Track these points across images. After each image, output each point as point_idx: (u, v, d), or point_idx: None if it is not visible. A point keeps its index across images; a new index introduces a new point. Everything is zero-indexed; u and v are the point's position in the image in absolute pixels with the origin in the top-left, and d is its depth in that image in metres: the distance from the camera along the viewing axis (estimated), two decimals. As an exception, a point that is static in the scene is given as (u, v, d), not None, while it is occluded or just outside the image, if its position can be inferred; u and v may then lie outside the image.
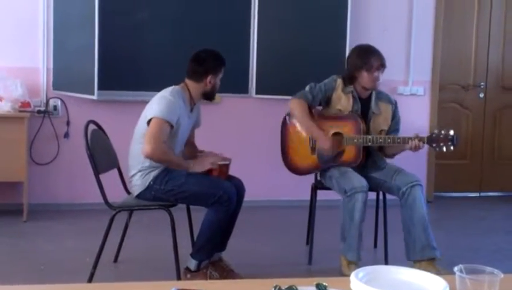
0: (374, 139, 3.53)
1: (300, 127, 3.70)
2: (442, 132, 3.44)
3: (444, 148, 3.44)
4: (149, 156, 3.16)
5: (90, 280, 3.16)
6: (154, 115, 3.17)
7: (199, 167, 3.31)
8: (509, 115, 6.26)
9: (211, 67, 3.37)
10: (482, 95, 6.15)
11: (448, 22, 5.85)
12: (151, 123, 3.17)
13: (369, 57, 3.57)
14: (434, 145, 3.45)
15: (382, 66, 3.59)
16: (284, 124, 3.81)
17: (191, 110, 3.42)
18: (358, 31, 5.31)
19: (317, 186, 3.87)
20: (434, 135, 3.46)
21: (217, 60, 3.41)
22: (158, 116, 3.16)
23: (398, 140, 3.50)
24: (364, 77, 3.58)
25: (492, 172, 6.27)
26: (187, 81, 3.40)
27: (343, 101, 3.63)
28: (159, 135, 3.13)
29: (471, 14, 6.03)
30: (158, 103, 3.22)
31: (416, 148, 3.45)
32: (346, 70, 3.69)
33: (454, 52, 5.98)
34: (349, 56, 3.76)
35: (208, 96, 3.46)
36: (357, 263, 3.37)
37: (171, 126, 3.20)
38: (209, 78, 3.36)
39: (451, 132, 3.43)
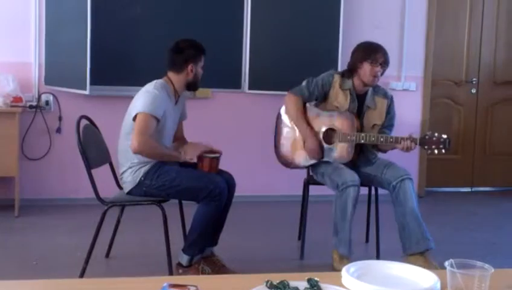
0: (366, 137, 3.54)
1: (293, 124, 3.72)
2: (435, 134, 3.47)
3: (436, 151, 3.47)
4: (137, 152, 3.15)
5: (82, 275, 3.15)
6: (139, 110, 3.16)
7: (190, 154, 3.30)
8: (501, 110, 6.29)
9: (191, 55, 3.34)
10: (474, 91, 6.18)
11: (441, 18, 5.86)
12: (137, 119, 3.15)
13: (376, 51, 3.59)
14: (426, 147, 3.48)
15: (385, 63, 3.60)
16: (279, 118, 3.81)
17: (176, 102, 3.41)
18: (351, 27, 5.32)
19: (309, 182, 3.87)
20: (427, 137, 3.48)
21: (196, 48, 3.38)
22: (143, 111, 3.15)
23: (391, 139, 3.51)
24: (366, 69, 3.57)
25: (484, 167, 6.30)
26: (169, 73, 3.38)
27: (340, 99, 3.64)
28: (146, 130, 3.12)
29: (463, 10, 6.05)
30: (142, 98, 3.21)
31: (407, 149, 3.48)
32: (349, 62, 3.69)
33: (446, 47, 5.99)
34: (355, 49, 3.72)
35: (191, 86, 3.43)
36: (349, 258, 3.39)
37: (157, 120, 3.19)
38: (189, 66, 3.33)
39: (444, 136, 3.46)
